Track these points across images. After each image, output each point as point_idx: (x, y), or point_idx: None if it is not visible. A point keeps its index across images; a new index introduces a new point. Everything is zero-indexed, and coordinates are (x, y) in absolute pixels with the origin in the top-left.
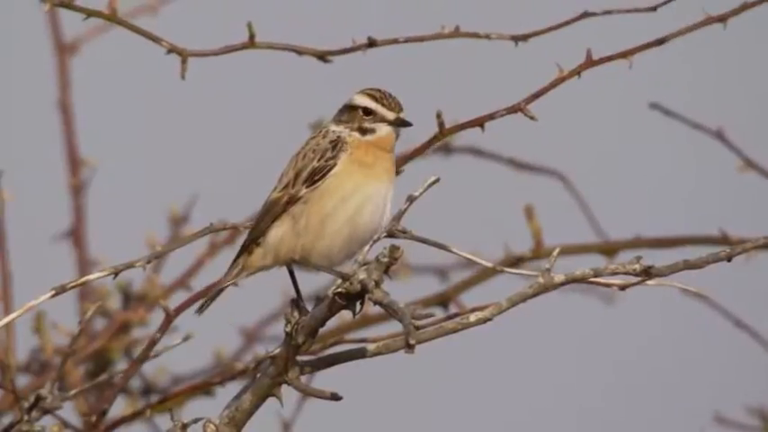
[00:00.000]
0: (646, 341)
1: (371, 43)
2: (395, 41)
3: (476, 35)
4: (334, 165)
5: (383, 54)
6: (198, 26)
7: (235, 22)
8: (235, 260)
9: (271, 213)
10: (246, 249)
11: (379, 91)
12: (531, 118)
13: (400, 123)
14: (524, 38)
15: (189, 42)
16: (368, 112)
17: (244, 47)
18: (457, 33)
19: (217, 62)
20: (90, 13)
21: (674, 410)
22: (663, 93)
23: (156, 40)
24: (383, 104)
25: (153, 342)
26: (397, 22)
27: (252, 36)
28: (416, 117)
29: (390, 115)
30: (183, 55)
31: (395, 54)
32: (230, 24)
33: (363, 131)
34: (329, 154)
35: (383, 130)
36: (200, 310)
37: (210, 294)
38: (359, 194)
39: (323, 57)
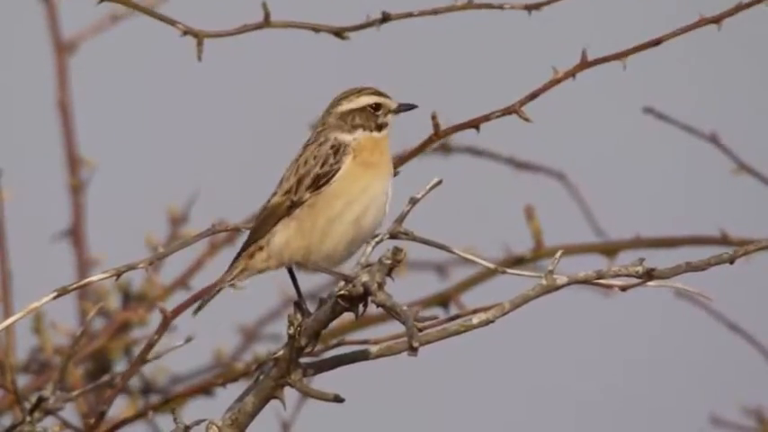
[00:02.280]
0: (642, 342)
1: (385, 18)
2: (409, 15)
3: (489, 6)
4: (339, 169)
5: (379, 54)
6: (198, 22)
7: (236, 17)
8: (234, 262)
9: (273, 217)
10: (247, 252)
11: (367, 87)
12: (526, 120)
13: (405, 108)
14: (537, 6)
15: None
16: (377, 107)
17: (259, 26)
18: (470, 5)
19: (217, 60)
20: None
21: (671, 411)
22: (661, 93)
23: (170, 22)
24: (383, 96)
25: (151, 344)
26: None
27: (267, 15)
28: (412, 118)
29: (393, 104)
30: (199, 36)
31: (391, 55)
32: (231, 19)
33: (380, 127)
34: (332, 160)
35: (390, 120)
36: (197, 310)
37: (208, 295)
38: (365, 197)
39: (340, 33)
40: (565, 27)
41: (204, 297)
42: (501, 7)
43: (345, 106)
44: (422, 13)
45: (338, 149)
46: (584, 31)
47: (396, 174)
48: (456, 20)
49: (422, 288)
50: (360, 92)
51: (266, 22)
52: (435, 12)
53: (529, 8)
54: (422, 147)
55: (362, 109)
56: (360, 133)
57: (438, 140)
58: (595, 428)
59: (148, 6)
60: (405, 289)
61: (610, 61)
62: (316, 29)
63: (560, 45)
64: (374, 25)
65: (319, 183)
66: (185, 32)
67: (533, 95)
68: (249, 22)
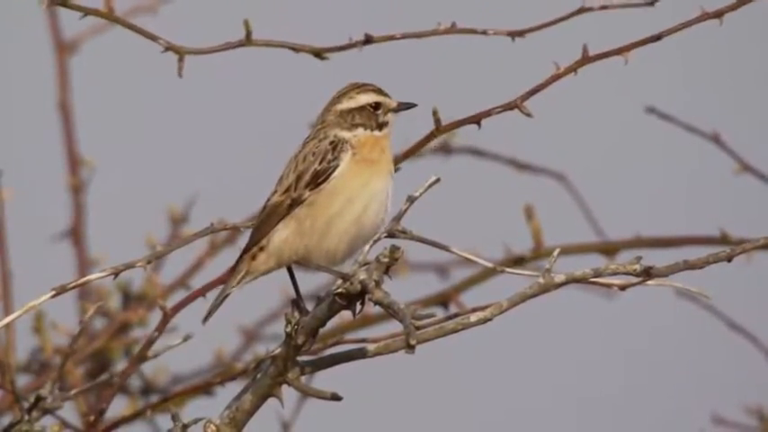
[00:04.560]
0: (644, 342)
1: (368, 40)
2: (392, 38)
3: (472, 31)
4: (337, 166)
5: (380, 52)
6: (197, 25)
7: (234, 21)
8: (237, 265)
9: (273, 216)
10: (249, 254)
11: (367, 84)
12: (528, 115)
13: (405, 107)
14: (521, 33)
15: (187, 41)
16: (377, 106)
17: (240, 44)
18: (453, 30)
19: (217, 61)
20: (87, 12)
21: (673, 411)
22: (662, 93)
23: (152, 38)
24: (383, 95)
25: (151, 341)
26: (394, 20)
27: (248, 34)
28: (413, 115)
29: (393, 103)
30: (180, 53)
31: (391, 52)
32: (229, 24)
33: (380, 126)
34: (330, 156)
35: (391, 119)
36: (206, 318)
37: (215, 302)
38: (365, 194)
39: (319, 54)
40: (566, 24)
41: (211, 304)
42: (484, 33)
43: (345, 104)
44: (405, 36)
45: (337, 146)
46: (585, 28)
47: (397, 170)
48: (457, 20)
49: (423, 288)
50: (359, 90)
51: (247, 41)
52: (418, 35)
53: (512, 35)
54: (423, 142)
55: (362, 108)
56: (360, 132)
57: (439, 135)
58: (596, 428)
59: (138, 15)
60: (406, 289)
61: (611, 56)
62: (295, 49)
63: (561, 41)
64: (356, 47)
65: (318, 180)
66: (167, 48)
67: (534, 91)
68: (231, 40)
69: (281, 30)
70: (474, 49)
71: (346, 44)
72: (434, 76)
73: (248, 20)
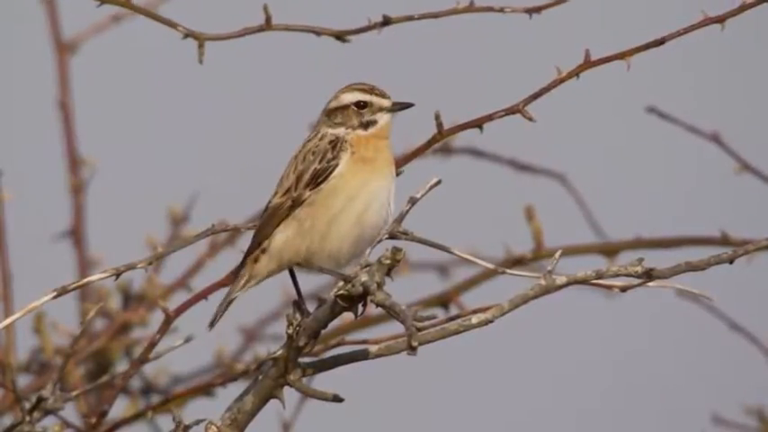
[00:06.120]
0: (644, 342)
1: (386, 21)
2: (410, 18)
3: (489, 9)
4: (337, 165)
5: (383, 55)
6: (197, 24)
7: (238, 19)
8: (240, 268)
9: (274, 218)
10: (252, 256)
11: (364, 83)
12: (530, 119)
13: (401, 107)
14: (538, 10)
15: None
16: (362, 105)
17: (260, 29)
18: (471, 8)
19: (216, 61)
20: (104, 0)
21: (673, 411)
22: (662, 94)
23: (171, 25)
24: (375, 94)
25: (153, 343)
26: (410, 3)
27: (268, 18)
28: (416, 118)
29: (387, 102)
30: (200, 39)
31: (394, 56)
32: (233, 21)
33: (365, 125)
34: (330, 155)
35: (384, 118)
36: (212, 324)
37: (221, 307)
38: (365, 193)
39: (341, 36)
40: (568, 27)
41: (216, 310)
42: (502, 10)
43: (332, 104)
44: (422, 17)
45: (336, 144)
46: (587, 31)
47: (399, 173)
48: (459, 20)
49: (424, 288)
50: (345, 89)
51: (267, 25)
52: (436, 15)
53: (529, 11)
54: (425, 146)
55: (345, 107)
56: (342, 131)
57: (442, 140)
58: (597, 428)
59: (149, 8)
60: (406, 289)
61: (613, 61)
62: (317, 32)
63: (564, 45)
64: (375, 28)
65: (318, 179)
66: (186, 35)
67: (537, 95)
68: (250, 25)
69: (296, 18)
70: (478, 51)
71: (365, 26)
72: (436, 79)
73: (267, 5)
